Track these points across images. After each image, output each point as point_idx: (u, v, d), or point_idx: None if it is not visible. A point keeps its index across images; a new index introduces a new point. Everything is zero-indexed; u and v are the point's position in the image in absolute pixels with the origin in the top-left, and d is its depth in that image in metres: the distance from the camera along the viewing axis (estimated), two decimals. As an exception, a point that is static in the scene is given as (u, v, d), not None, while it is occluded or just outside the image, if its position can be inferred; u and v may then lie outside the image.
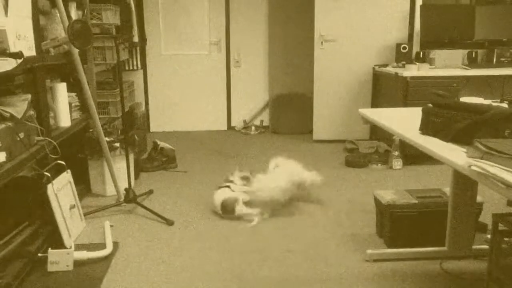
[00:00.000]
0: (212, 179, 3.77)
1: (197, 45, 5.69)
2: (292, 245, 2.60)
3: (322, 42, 4.77)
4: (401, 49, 4.38)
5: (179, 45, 5.69)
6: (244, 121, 5.85)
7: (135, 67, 5.43)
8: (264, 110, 5.86)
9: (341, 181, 3.67)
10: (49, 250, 2.33)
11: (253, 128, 5.73)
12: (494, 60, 4.08)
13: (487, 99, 2.06)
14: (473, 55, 4.14)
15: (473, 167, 1.28)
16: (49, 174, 2.45)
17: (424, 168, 3.78)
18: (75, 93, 3.31)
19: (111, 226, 2.85)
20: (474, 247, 2.33)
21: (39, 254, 2.34)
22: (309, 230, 2.79)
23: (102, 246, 2.54)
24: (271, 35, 5.57)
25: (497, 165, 1.21)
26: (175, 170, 4.12)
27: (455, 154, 1.45)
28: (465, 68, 3.95)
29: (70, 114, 3.15)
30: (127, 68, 5.40)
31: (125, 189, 3.13)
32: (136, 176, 3.79)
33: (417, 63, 4.12)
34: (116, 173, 3.21)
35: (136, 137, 3.74)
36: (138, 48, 5.33)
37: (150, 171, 4.07)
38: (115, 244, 2.60)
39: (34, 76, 2.57)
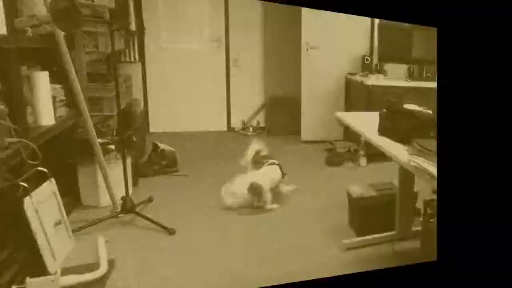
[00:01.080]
0: (215, 184, 3.69)
1: (197, 39, 5.73)
2: (284, 242, 2.88)
3: (307, 49, 5.28)
4: (365, 61, 5.36)
5: (179, 36, 5.64)
6: (243, 121, 6.07)
7: (132, 59, 5.32)
8: (260, 111, 6.09)
9: (320, 179, 4.31)
10: (27, 279, 2.14)
11: (250, 129, 6.00)
12: (424, 74, 5.17)
13: (421, 106, 2.52)
14: (411, 70, 5.24)
15: (411, 163, 1.75)
16: (26, 185, 2.26)
17: (383, 164, 4.35)
18: (61, 85, 3.09)
19: (106, 241, 2.76)
20: (413, 229, 2.98)
21: (13, 287, 2.12)
22: (292, 225, 3.16)
23: (96, 266, 2.45)
24: (266, 38, 5.94)
25: (426, 160, 1.68)
26: (176, 174, 4.12)
27: (400, 152, 1.92)
28: (406, 80, 5.09)
29: (54, 110, 2.94)
30: (123, 59, 5.24)
31: (122, 198, 3.07)
32: (134, 183, 3.70)
33: (376, 74, 5.14)
34: (111, 180, 3.14)
35: (134, 138, 3.74)
36: (135, 37, 5.21)
37: (150, 176, 4.02)
38: (111, 262, 2.53)
39: (6, 61, 2.35)
